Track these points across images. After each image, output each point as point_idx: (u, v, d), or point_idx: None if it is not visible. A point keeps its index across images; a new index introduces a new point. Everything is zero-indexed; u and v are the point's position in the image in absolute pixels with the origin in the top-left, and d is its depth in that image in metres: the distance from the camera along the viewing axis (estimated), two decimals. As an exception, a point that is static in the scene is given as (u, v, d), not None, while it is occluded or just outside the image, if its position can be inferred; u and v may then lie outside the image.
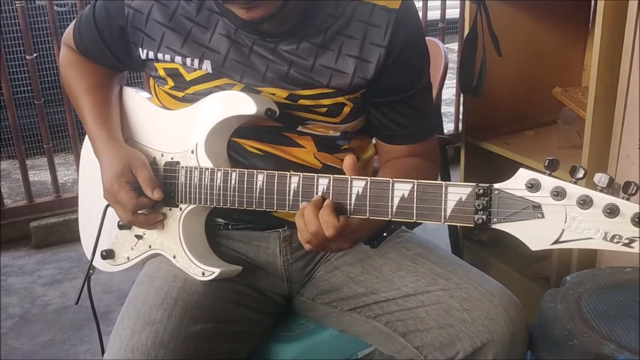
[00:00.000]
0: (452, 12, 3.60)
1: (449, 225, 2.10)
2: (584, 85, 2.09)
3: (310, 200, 0.97)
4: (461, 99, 2.73)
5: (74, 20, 1.27)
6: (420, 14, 1.15)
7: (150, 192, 1.12)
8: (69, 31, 1.28)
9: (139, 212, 1.14)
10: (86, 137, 1.27)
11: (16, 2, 2.61)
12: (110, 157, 1.15)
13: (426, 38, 1.21)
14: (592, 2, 1.94)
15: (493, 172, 1.26)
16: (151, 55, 1.14)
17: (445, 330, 1.06)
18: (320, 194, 0.98)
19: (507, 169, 0.87)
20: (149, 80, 1.24)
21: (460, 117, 2.99)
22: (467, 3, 1.89)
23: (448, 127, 3.71)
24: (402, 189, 0.92)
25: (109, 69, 1.27)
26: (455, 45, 4.65)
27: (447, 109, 4.09)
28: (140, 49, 1.15)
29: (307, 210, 0.96)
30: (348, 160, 0.96)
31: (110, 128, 1.20)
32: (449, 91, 4.07)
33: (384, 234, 1.09)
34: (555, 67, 2.06)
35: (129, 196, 1.12)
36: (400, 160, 1.18)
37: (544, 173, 0.83)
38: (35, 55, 2.69)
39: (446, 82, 1.95)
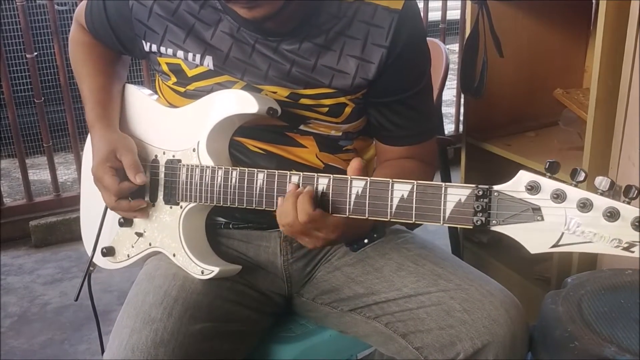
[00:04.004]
0: (453, 13, 3.61)
1: (449, 227, 2.09)
2: (585, 87, 2.08)
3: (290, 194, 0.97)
4: (462, 99, 2.74)
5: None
6: (421, 14, 1.15)
7: (132, 176, 1.12)
8: (80, 8, 1.29)
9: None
10: (89, 135, 1.27)
11: (17, 0, 2.60)
12: (100, 143, 1.16)
13: (427, 39, 1.21)
14: (594, 3, 1.94)
15: (493, 173, 1.26)
16: (154, 48, 1.14)
17: (445, 331, 1.06)
18: (320, 193, 0.97)
19: (508, 170, 0.87)
20: (149, 77, 1.24)
21: (461, 118, 3.00)
22: (469, 4, 1.89)
23: (448, 128, 3.71)
24: (401, 189, 0.92)
25: (115, 53, 1.28)
26: (456, 47, 4.65)
27: (448, 110, 4.09)
28: (143, 42, 1.15)
29: (286, 201, 0.96)
30: (354, 163, 0.96)
31: (106, 115, 1.21)
32: (450, 92, 4.07)
33: (365, 241, 1.07)
34: (556, 69, 2.06)
35: (111, 180, 1.12)
36: (396, 162, 1.18)
37: (544, 175, 0.83)
38: (35, 54, 2.69)
39: (447, 83, 1.94)
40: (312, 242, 1.01)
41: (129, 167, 1.13)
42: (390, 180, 0.92)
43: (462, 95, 2.36)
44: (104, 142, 1.16)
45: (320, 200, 0.97)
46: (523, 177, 0.84)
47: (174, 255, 1.14)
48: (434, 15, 3.36)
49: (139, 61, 2.74)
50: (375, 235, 1.07)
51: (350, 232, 1.02)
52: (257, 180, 1.04)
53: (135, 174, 1.12)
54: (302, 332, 1.25)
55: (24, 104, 3.11)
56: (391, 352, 1.15)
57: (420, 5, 3.25)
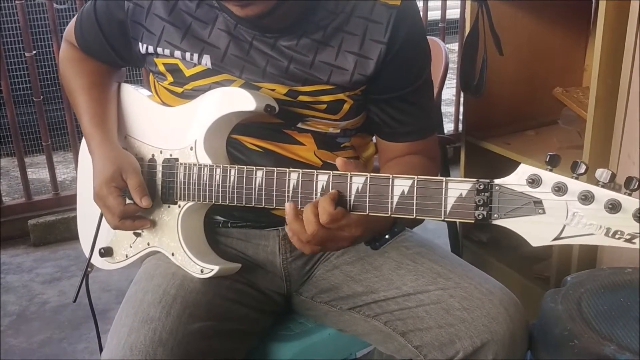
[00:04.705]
0: (453, 13, 3.60)
1: (448, 226, 2.09)
2: (584, 86, 2.09)
3: (309, 203, 0.96)
4: (461, 99, 2.73)
5: (76, 16, 1.27)
6: (420, 13, 1.15)
7: (138, 200, 1.11)
8: (70, 27, 1.28)
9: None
10: (84, 139, 1.26)
11: (16, -1, 2.60)
12: (102, 160, 1.14)
13: (427, 37, 1.21)
14: (594, 2, 1.93)
15: (493, 172, 1.25)
16: (151, 49, 1.14)
17: (445, 329, 1.06)
18: (320, 190, 0.97)
19: (508, 169, 0.86)
20: (148, 77, 1.23)
21: (460, 117, 2.99)
22: (468, 3, 1.89)
23: (448, 127, 3.71)
24: (402, 185, 0.91)
25: (108, 66, 1.27)
26: (455, 46, 4.65)
27: (447, 109, 4.09)
28: (140, 44, 1.15)
29: (306, 211, 0.96)
30: (339, 160, 0.96)
31: (105, 129, 1.19)
32: (449, 91, 4.07)
33: (387, 236, 1.08)
34: (556, 67, 2.06)
35: (116, 202, 1.11)
36: (401, 159, 1.18)
37: (545, 169, 0.83)
38: (34, 52, 2.69)
39: (446, 82, 1.94)
40: (337, 245, 1.00)
41: (135, 189, 1.12)
42: (391, 176, 0.92)
43: (462, 94, 2.35)
44: (106, 159, 1.14)
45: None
46: (524, 171, 0.84)
47: (172, 254, 1.14)
48: (434, 14, 3.37)
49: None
50: (396, 230, 1.07)
51: (372, 227, 1.02)
52: (256, 178, 1.03)
53: (141, 197, 1.11)
54: (301, 331, 1.25)
55: (23, 103, 3.11)
56: (390, 350, 1.15)
57: (420, 4, 3.25)
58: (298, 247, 1.00)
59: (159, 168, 1.16)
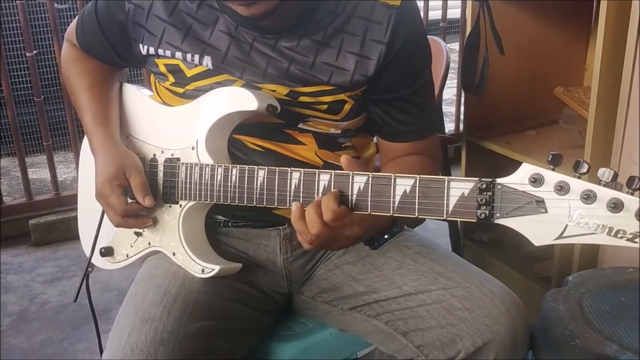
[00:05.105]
0: (453, 12, 3.60)
1: (449, 225, 2.09)
2: (586, 85, 2.08)
3: (310, 202, 0.96)
4: (462, 98, 2.73)
5: (77, 17, 1.28)
6: (421, 13, 1.15)
7: (141, 199, 1.11)
8: (71, 27, 1.28)
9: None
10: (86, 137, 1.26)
11: (16, -1, 2.60)
12: (105, 158, 1.14)
13: (428, 36, 1.21)
14: (595, 1, 1.93)
15: (494, 171, 1.25)
16: (152, 50, 1.14)
17: (446, 329, 1.05)
18: (321, 189, 0.97)
19: (509, 169, 0.86)
20: (149, 77, 1.23)
21: (461, 117, 3.00)
22: (469, 3, 1.89)
23: (449, 127, 3.70)
24: (404, 184, 0.91)
25: (109, 66, 1.27)
26: (456, 45, 4.64)
27: (448, 109, 4.08)
28: (140, 45, 1.15)
29: (309, 211, 0.96)
30: (343, 159, 0.96)
31: (107, 127, 1.19)
32: (450, 91, 4.07)
33: (385, 236, 1.08)
34: (557, 67, 2.06)
35: (119, 200, 1.11)
36: (402, 159, 1.18)
37: (547, 168, 0.83)
38: (35, 52, 2.69)
39: (447, 81, 1.94)
40: (340, 244, 1.01)
41: (138, 188, 1.12)
42: (393, 175, 0.92)
43: (463, 94, 2.35)
44: (109, 158, 1.14)
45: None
46: (526, 170, 0.84)
47: (173, 254, 1.14)
48: (435, 14, 3.36)
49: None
50: (395, 230, 1.07)
51: (373, 227, 1.03)
52: (257, 177, 1.03)
53: (144, 196, 1.11)
54: (302, 331, 1.25)
55: (24, 103, 3.11)
56: (391, 350, 1.15)
57: (421, 4, 3.25)
58: (302, 245, 1.00)
59: (161, 168, 1.16)
